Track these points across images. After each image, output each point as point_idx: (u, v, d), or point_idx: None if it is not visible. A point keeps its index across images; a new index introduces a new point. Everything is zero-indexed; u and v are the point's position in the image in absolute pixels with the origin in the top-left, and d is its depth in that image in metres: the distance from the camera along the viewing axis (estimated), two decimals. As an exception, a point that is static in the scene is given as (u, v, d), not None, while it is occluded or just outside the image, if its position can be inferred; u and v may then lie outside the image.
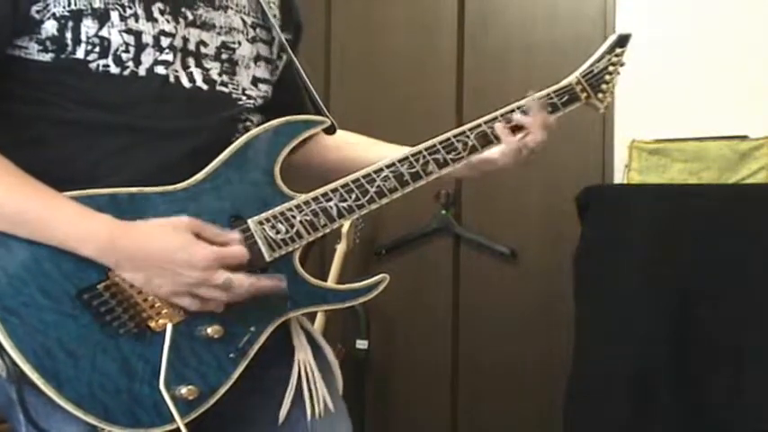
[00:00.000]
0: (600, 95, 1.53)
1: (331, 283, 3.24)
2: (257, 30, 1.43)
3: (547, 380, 3.19)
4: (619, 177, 3.11)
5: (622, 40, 1.56)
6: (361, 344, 3.45)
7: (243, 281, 1.22)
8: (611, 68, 1.54)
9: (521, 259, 3.34)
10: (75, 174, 1.23)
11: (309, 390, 1.37)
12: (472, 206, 3.43)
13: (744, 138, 2.87)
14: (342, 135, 1.53)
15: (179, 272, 1.19)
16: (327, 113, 1.44)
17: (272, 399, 1.36)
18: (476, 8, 3.45)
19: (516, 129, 1.43)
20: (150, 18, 1.28)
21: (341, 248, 3.29)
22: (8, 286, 1.14)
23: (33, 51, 1.23)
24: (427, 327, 3.49)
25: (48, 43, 1.23)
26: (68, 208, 1.19)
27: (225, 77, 1.36)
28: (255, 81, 1.41)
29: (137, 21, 1.26)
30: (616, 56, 1.55)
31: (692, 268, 2.60)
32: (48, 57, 1.23)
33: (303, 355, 1.39)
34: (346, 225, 3.24)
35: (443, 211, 3.39)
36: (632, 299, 2.65)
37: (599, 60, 1.53)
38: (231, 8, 1.39)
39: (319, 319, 3.17)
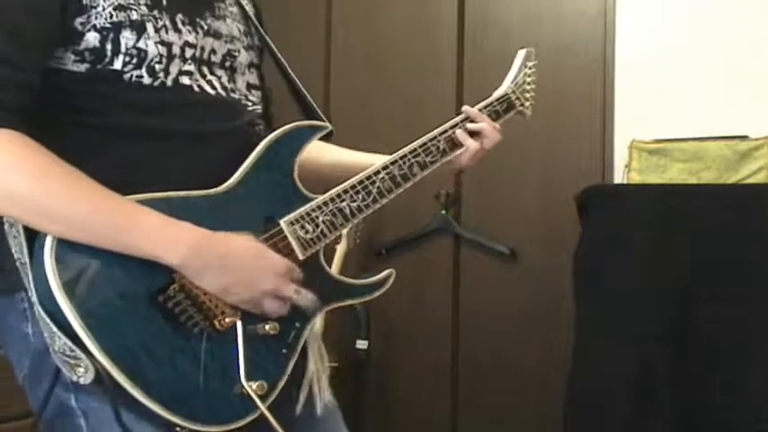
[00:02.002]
0: (527, 104, 1.69)
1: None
2: (248, 37, 1.47)
3: (547, 380, 3.19)
4: (619, 177, 3.11)
5: (529, 55, 1.72)
6: (361, 344, 3.45)
7: (307, 296, 1.29)
8: (528, 80, 1.70)
9: (520, 259, 3.34)
10: (121, 179, 1.23)
11: (320, 388, 1.43)
12: (472, 206, 3.43)
13: (744, 138, 2.87)
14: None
15: (257, 278, 1.24)
16: (324, 118, 1.48)
17: (289, 396, 1.38)
18: (476, 8, 3.45)
19: (473, 134, 1.58)
20: (176, 29, 1.31)
21: (341, 248, 3.29)
22: (86, 291, 1.15)
23: (68, 62, 1.25)
24: (427, 326, 3.49)
25: (86, 54, 1.24)
26: (151, 218, 1.20)
27: (231, 84, 1.40)
28: (249, 87, 1.45)
29: (167, 32, 1.29)
30: (529, 68, 1.71)
31: (692, 268, 2.60)
32: (83, 67, 1.25)
33: (313, 354, 1.44)
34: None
35: (443, 211, 3.39)
36: (632, 299, 2.65)
37: (519, 72, 1.70)
38: (228, 17, 1.43)
39: (319, 319, 3.17)
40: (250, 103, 1.43)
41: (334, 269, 3.28)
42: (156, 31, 1.28)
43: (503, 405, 3.34)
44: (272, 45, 1.50)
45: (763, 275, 2.53)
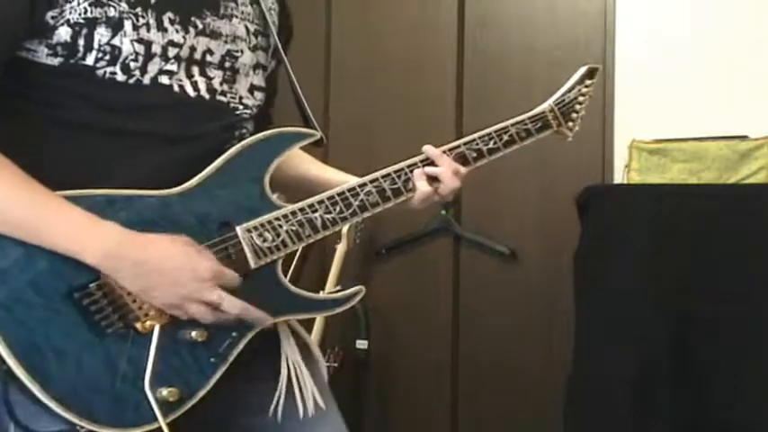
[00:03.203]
0: (569, 124, 1.57)
1: (330, 283, 3.25)
2: (258, 38, 1.45)
3: (547, 380, 3.19)
4: (619, 177, 3.11)
5: (591, 73, 1.60)
6: (361, 344, 3.45)
7: (235, 303, 1.25)
8: (580, 99, 1.58)
9: (520, 259, 3.34)
10: (74, 175, 1.24)
11: (300, 388, 1.39)
12: (472, 206, 3.43)
13: (744, 138, 2.87)
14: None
15: (180, 282, 1.21)
16: (316, 125, 1.45)
17: (263, 398, 1.38)
18: (476, 8, 3.45)
19: (430, 178, 1.44)
20: (161, 28, 1.29)
21: (341, 248, 3.29)
22: (0, 282, 1.15)
23: (42, 55, 1.25)
24: (427, 327, 3.49)
25: (58, 48, 1.24)
26: (72, 213, 1.19)
27: (225, 86, 1.38)
28: (252, 89, 1.43)
29: (148, 30, 1.28)
30: (586, 86, 1.59)
31: (692, 268, 2.59)
32: (56, 61, 1.24)
33: (291, 354, 1.41)
34: (346, 225, 3.24)
35: (443, 211, 3.39)
36: (632, 299, 2.64)
37: (570, 91, 1.57)
38: (236, 16, 1.41)
39: (319, 319, 3.17)
40: (242, 107, 1.40)
41: (334, 269, 3.28)
42: (135, 28, 1.27)
43: (503, 405, 3.34)
44: (281, 48, 1.47)
45: (763, 275, 2.53)
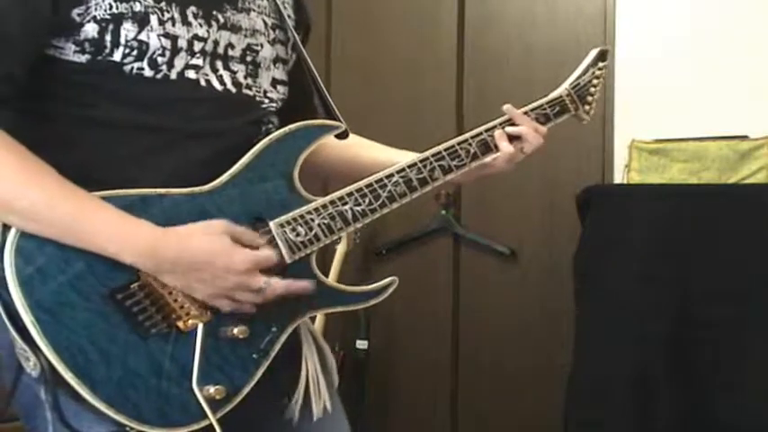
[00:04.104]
0: (586, 107, 1.59)
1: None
2: (276, 31, 1.44)
3: (547, 380, 3.19)
4: (619, 177, 3.11)
5: (603, 55, 1.61)
6: (361, 344, 3.45)
7: (279, 284, 1.26)
8: (594, 81, 1.59)
9: (521, 259, 3.34)
10: (103, 173, 1.24)
11: (317, 391, 1.40)
12: (472, 206, 3.43)
13: (744, 138, 2.87)
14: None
15: (219, 276, 1.22)
16: (340, 116, 1.45)
17: (280, 399, 1.39)
18: (476, 8, 3.45)
19: (512, 138, 1.49)
20: (185, 22, 1.29)
21: (341, 248, 3.29)
22: (42, 285, 1.15)
23: (69, 52, 1.24)
24: (427, 327, 3.49)
25: (86, 45, 1.24)
26: (109, 214, 1.19)
27: (249, 80, 1.37)
28: (275, 83, 1.42)
29: (173, 25, 1.28)
30: (599, 69, 1.60)
31: (692, 268, 2.60)
32: (84, 58, 1.24)
33: (311, 357, 1.42)
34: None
35: (443, 211, 3.39)
36: (632, 299, 2.65)
37: (584, 74, 1.59)
38: (254, 10, 1.40)
39: (319, 319, 3.17)
40: (267, 100, 1.40)
41: (334, 269, 3.28)
42: (161, 23, 1.26)
43: (503, 405, 3.34)
44: (299, 41, 1.46)
45: (763, 275, 2.53)
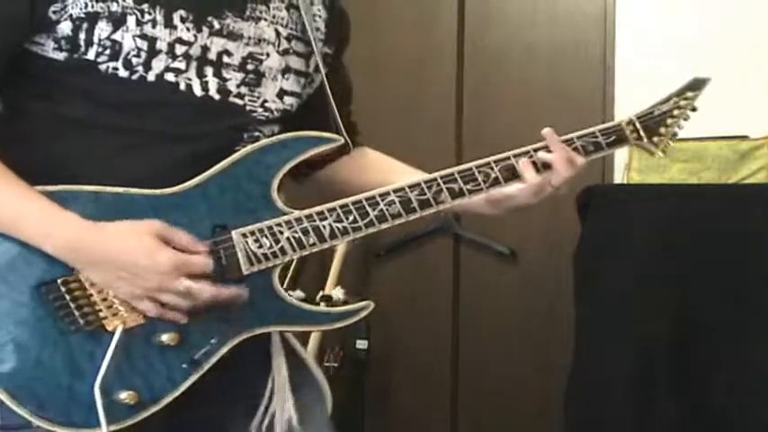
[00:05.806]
0: (655, 139, 1.45)
1: (330, 283, 3.24)
2: (293, 42, 1.41)
3: (547, 380, 3.19)
4: (619, 177, 3.11)
5: (696, 84, 1.48)
6: (361, 344, 3.44)
7: (205, 289, 1.22)
8: (675, 112, 1.46)
9: (521, 259, 3.34)
10: (72, 171, 1.24)
11: (281, 408, 1.35)
12: (472, 206, 3.43)
13: (744, 138, 2.87)
14: (372, 157, 1.56)
15: (140, 275, 1.20)
16: (343, 132, 1.41)
17: (247, 416, 1.35)
18: (476, 8, 3.45)
19: (541, 166, 1.37)
20: (169, 25, 1.28)
21: (341, 249, 3.29)
22: None
23: (49, 49, 1.25)
24: (427, 327, 3.49)
25: (62, 42, 1.24)
26: (36, 203, 1.20)
27: (244, 89, 1.34)
28: (282, 93, 1.39)
29: (154, 26, 1.27)
30: (685, 99, 1.47)
31: (692, 268, 2.59)
32: (61, 56, 1.25)
33: (278, 374, 1.36)
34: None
35: (443, 211, 3.39)
36: (632, 299, 2.64)
37: (663, 103, 1.46)
38: (265, 19, 1.37)
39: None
40: (261, 109, 1.36)
41: (334, 270, 3.28)
42: (139, 24, 1.26)
43: (502, 405, 3.34)
44: (318, 55, 1.43)
45: (763, 275, 2.53)
